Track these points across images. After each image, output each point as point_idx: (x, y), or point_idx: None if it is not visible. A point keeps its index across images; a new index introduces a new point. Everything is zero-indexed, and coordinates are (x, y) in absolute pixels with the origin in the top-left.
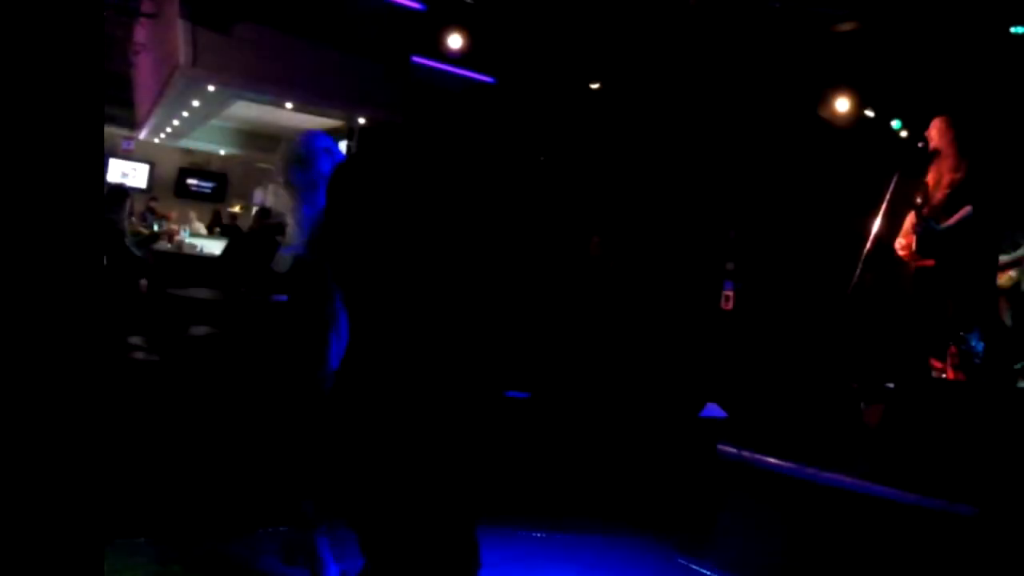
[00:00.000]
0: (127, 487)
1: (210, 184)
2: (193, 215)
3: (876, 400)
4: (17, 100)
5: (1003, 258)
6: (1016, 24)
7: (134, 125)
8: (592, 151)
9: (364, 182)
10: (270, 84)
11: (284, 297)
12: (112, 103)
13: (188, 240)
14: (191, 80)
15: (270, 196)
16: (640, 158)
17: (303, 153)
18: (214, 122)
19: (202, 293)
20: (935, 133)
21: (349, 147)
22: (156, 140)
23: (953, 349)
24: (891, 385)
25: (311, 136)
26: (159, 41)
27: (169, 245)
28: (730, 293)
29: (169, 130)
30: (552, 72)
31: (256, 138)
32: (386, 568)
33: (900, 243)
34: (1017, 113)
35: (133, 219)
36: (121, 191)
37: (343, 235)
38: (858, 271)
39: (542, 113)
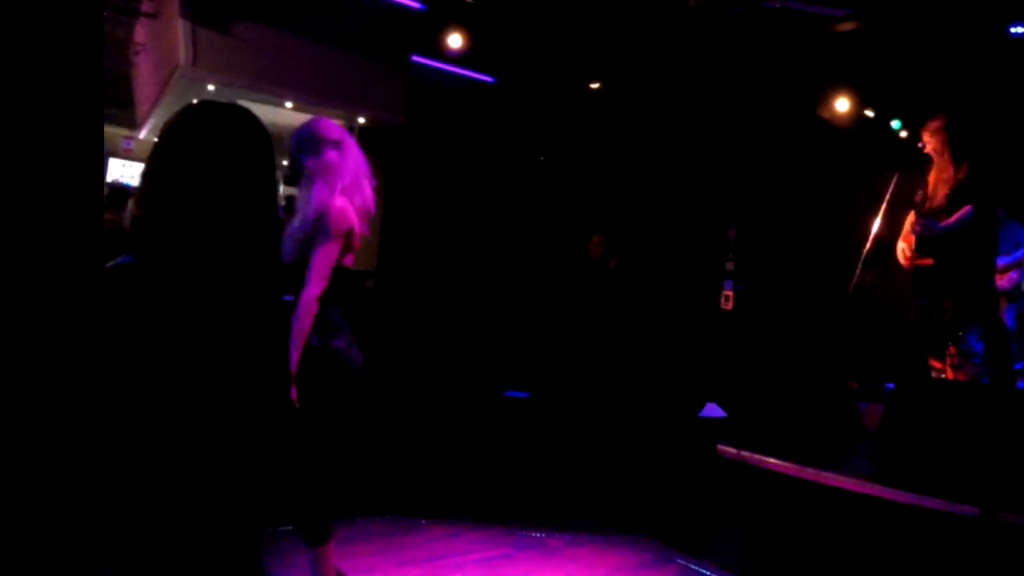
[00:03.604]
0: None
1: None
2: None
3: (876, 400)
4: (17, 100)
5: (1003, 260)
6: (1016, 24)
7: (134, 125)
8: (592, 151)
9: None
10: (270, 84)
11: (290, 297)
12: (112, 103)
13: None
14: (191, 80)
15: None
16: (640, 158)
17: (311, 138)
18: None
19: None
20: (933, 133)
21: None
22: (156, 140)
23: (953, 349)
24: (891, 385)
25: (319, 123)
26: (159, 41)
27: None
28: (730, 293)
29: None
30: (552, 72)
31: None
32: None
33: (900, 247)
34: (1016, 112)
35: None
36: (123, 191)
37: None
38: (858, 271)
39: (542, 113)
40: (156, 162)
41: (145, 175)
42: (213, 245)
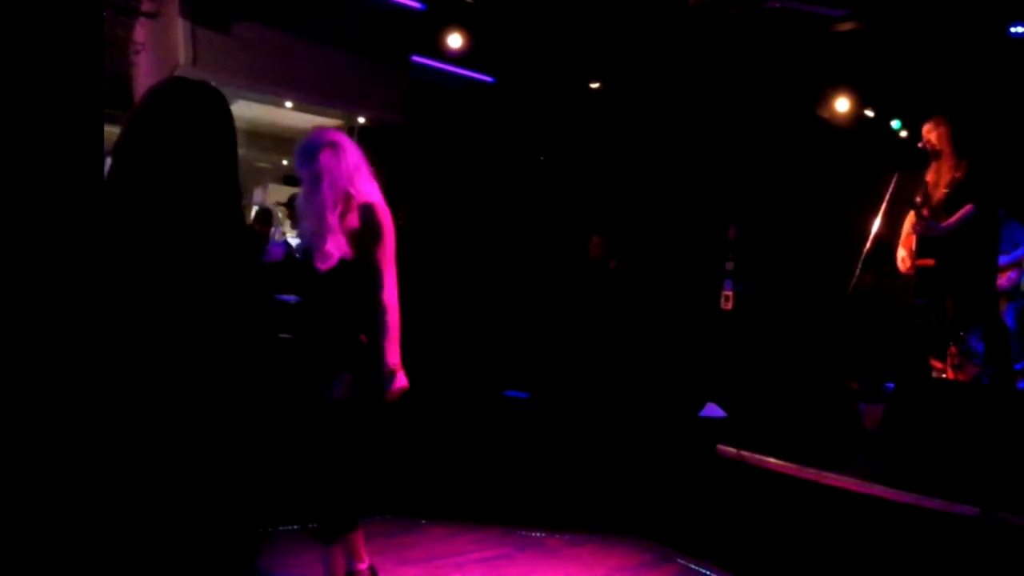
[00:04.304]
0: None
1: None
2: None
3: (876, 400)
4: (18, 100)
5: (1002, 259)
6: (1016, 24)
7: None
8: (592, 151)
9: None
10: (270, 83)
11: (290, 297)
12: (112, 103)
13: None
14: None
15: (261, 193)
16: (640, 158)
17: (307, 147)
18: None
19: None
20: (933, 133)
21: None
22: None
23: (953, 349)
24: (891, 385)
25: (317, 132)
26: (159, 41)
27: None
28: (730, 293)
29: None
30: (552, 72)
31: (255, 137)
32: None
33: (901, 254)
34: (1016, 112)
35: None
36: None
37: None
38: (858, 271)
39: (542, 113)
40: (125, 139)
41: (115, 151)
42: (175, 219)
